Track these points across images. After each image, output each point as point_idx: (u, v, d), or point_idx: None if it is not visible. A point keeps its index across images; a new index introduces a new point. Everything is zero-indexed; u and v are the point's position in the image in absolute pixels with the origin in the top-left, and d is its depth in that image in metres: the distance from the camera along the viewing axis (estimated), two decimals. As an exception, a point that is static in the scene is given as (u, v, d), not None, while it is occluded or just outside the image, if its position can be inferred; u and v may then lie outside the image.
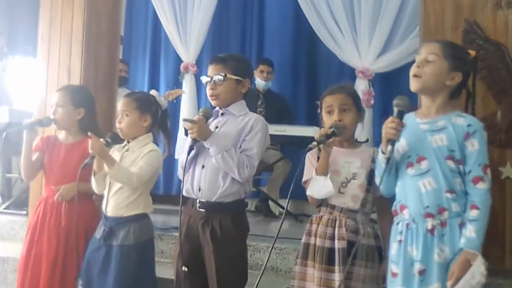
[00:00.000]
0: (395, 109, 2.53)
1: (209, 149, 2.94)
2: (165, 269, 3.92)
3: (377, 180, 2.70)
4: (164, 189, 7.37)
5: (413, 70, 2.56)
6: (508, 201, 3.50)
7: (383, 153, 2.54)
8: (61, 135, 3.72)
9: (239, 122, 3.05)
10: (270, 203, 6.00)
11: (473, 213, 2.40)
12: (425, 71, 2.52)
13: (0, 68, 6.45)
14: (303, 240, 2.89)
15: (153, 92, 3.48)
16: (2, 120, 5.56)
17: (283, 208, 5.97)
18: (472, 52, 2.67)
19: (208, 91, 3.08)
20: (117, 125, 3.33)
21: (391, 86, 6.53)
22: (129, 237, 3.24)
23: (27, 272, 3.54)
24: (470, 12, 3.61)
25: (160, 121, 3.46)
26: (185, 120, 3.00)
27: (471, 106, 2.76)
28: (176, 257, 3.05)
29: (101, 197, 3.39)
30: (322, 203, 2.89)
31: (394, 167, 2.62)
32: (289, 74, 7.16)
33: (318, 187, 2.83)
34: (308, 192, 2.89)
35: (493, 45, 3.55)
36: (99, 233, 3.32)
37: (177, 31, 6.84)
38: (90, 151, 3.17)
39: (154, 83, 7.57)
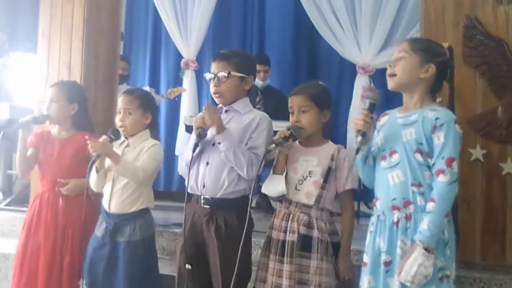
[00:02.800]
0: (366, 101, 2.63)
1: (219, 143, 2.93)
2: (166, 266, 3.92)
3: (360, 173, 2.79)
4: (165, 185, 7.37)
5: (387, 70, 2.63)
6: (509, 196, 3.49)
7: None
8: (54, 130, 3.74)
9: (244, 119, 3.05)
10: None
11: (429, 206, 2.42)
12: (397, 69, 2.59)
13: (1, 64, 6.45)
14: (267, 233, 3.02)
15: (148, 88, 3.53)
16: (3, 117, 5.57)
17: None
18: (445, 44, 2.68)
19: (212, 88, 3.07)
20: (119, 123, 3.35)
21: (392, 82, 6.52)
22: (135, 233, 3.26)
23: (24, 267, 3.57)
24: (471, 8, 3.61)
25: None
26: (207, 107, 2.97)
27: (451, 98, 2.77)
28: (179, 254, 3.05)
29: (99, 194, 3.41)
30: (282, 198, 3.00)
31: (372, 160, 2.70)
32: (289, 70, 7.15)
33: (272, 186, 2.97)
34: (262, 190, 3.03)
35: (493, 41, 3.54)
36: (100, 230, 3.32)
37: (177, 27, 6.84)
38: (93, 153, 3.21)
39: (154, 79, 7.57)
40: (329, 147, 3.00)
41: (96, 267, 3.29)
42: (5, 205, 5.48)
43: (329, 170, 2.92)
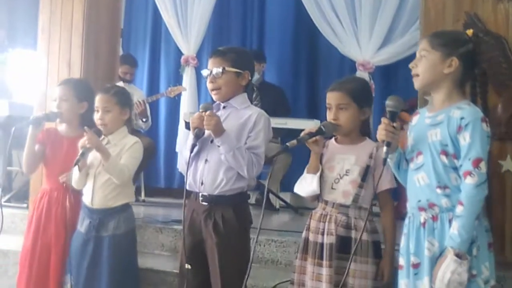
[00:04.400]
0: (386, 110, 2.55)
1: (218, 146, 2.93)
2: (166, 262, 3.94)
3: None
4: (165, 182, 7.36)
5: (412, 72, 2.56)
6: (508, 194, 3.50)
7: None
8: (61, 128, 3.74)
9: (240, 115, 3.04)
10: (271, 196, 6.00)
11: (458, 209, 2.35)
12: (419, 69, 2.52)
13: (0, 61, 6.45)
14: (303, 235, 2.92)
15: (120, 84, 3.58)
16: (2, 113, 5.57)
17: (283, 201, 5.98)
18: (469, 31, 2.62)
19: (208, 85, 3.08)
20: (99, 121, 3.41)
21: (392, 79, 6.54)
22: (119, 227, 3.34)
23: (34, 265, 3.56)
24: (471, 5, 3.60)
25: None
26: (205, 108, 2.95)
27: (483, 90, 2.67)
28: (181, 251, 3.06)
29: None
30: (319, 198, 2.91)
31: (405, 164, 2.63)
32: (289, 67, 7.14)
33: (304, 185, 2.89)
34: (295, 189, 2.96)
35: (493, 38, 3.54)
36: (83, 227, 3.38)
37: (177, 23, 6.83)
38: (81, 148, 3.24)
39: (154, 77, 7.56)
40: (368, 145, 2.90)
41: (80, 263, 3.35)
42: (5, 202, 5.47)
43: (367, 168, 2.81)
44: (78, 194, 3.53)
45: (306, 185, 2.88)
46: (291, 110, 6.36)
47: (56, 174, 3.64)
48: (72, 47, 4.63)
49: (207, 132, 2.97)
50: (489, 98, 3.51)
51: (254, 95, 6.23)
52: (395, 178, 2.79)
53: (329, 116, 2.90)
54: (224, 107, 3.10)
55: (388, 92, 6.66)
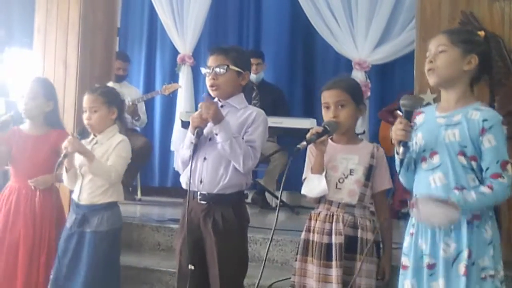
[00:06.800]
0: (402, 109, 2.48)
1: (216, 134, 2.90)
2: (162, 261, 3.93)
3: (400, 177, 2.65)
4: (160, 181, 7.35)
5: (426, 66, 2.48)
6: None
7: (397, 153, 2.47)
8: (25, 126, 3.77)
9: (240, 115, 3.03)
10: (267, 195, 6.00)
11: (485, 189, 2.34)
12: (438, 64, 2.44)
13: (-3, 59, 6.45)
14: (302, 236, 2.90)
15: (110, 84, 3.60)
16: (-1, 112, 5.57)
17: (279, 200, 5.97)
18: (481, 33, 2.59)
19: (209, 81, 3.04)
20: (86, 121, 3.44)
21: (388, 78, 6.54)
22: (102, 224, 3.36)
23: (1, 262, 3.57)
24: (467, 4, 3.62)
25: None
26: (207, 97, 2.98)
27: (492, 92, 2.67)
28: (178, 252, 3.05)
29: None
30: (321, 199, 2.89)
31: (413, 163, 2.57)
32: (285, 66, 7.13)
33: (312, 186, 2.86)
34: (302, 191, 2.92)
35: (489, 37, 3.55)
36: (69, 221, 3.43)
37: (173, 22, 6.83)
38: (64, 149, 3.24)
39: (150, 75, 7.55)
40: (367, 145, 2.93)
41: (63, 257, 3.37)
42: None
43: (370, 168, 2.84)
44: (47, 194, 3.63)
45: (314, 186, 2.84)
46: (290, 110, 6.36)
47: (23, 172, 3.67)
48: (68, 46, 4.63)
49: (205, 130, 2.97)
50: (485, 97, 3.54)
51: (253, 94, 6.22)
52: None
53: (328, 114, 2.87)
54: (221, 106, 3.09)
55: (384, 91, 6.70)
